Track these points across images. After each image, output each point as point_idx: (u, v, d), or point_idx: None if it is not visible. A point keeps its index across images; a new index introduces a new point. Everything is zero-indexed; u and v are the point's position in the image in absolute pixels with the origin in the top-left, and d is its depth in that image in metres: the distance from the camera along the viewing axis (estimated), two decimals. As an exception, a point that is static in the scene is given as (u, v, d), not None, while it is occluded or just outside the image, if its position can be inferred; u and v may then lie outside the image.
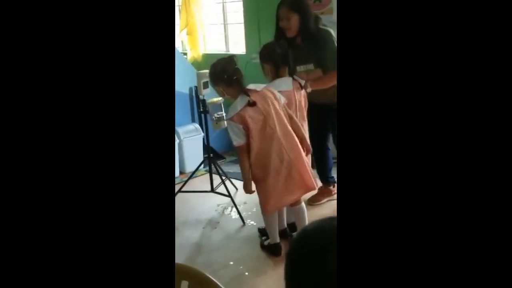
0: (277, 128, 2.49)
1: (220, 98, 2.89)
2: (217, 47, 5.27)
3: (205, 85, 3.56)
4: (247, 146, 2.48)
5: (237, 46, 5.11)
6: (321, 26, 2.84)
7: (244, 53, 4.77)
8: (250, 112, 2.44)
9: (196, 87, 4.00)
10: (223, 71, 2.48)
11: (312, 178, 2.62)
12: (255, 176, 2.56)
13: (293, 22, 2.75)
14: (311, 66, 2.85)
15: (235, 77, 2.48)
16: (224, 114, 2.73)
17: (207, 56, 5.05)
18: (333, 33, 2.80)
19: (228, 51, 5.26)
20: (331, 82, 2.78)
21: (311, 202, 3.27)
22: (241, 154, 2.52)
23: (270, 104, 2.50)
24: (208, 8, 5.24)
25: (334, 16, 3.72)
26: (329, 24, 3.68)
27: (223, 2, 5.19)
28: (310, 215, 2.91)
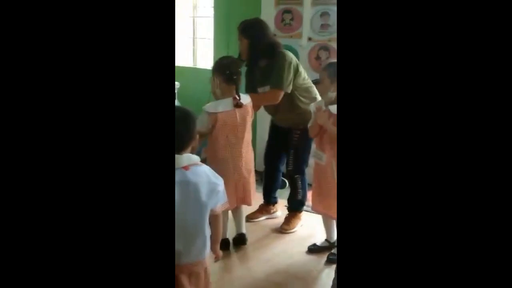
0: (243, 140, 2.69)
1: None
2: (184, 61, 5.24)
3: None
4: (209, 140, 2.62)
5: (205, 60, 5.10)
6: (281, 50, 2.91)
7: (211, 68, 4.74)
8: (225, 115, 2.59)
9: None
10: (228, 67, 2.62)
11: (251, 197, 2.81)
12: None
13: (243, 47, 2.89)
14: (267, 88, 2.90)
15: (235, 77, 2.62)
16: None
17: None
18: (290, 56, 2.90)
19: (196, 65, 5.25)
20: (264, 100, 2.88)
21: (250, 218, 3.27)
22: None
23: (247, 118, 2.68)
24: (179, 22, 5.23)
25: (303, 40, 3.77)
26: (298, 48, 3.77)
27: (193, 17, 5.21)
28: (247, 231, 3.01)
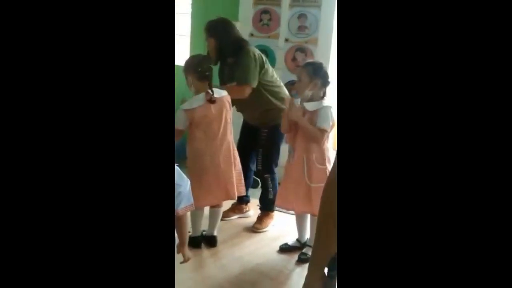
0: (220, 133, 2.73)
1: None
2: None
3: None
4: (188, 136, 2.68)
5: (181, 57, 5.08)
6: (247, 47, 2.96)
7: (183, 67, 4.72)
8: (205, 109, 2.65)
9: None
10: (199, 65, 2.68)
11: (235, 190, 2.81)
12: (190, 168, 2.70)
13: (210, 45, 2.95)
14: (234, 83, 2.95)
15: (207, 73, 2.68)
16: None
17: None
18: (255, 52, 2.95)
19: (171, 61, 5.23)
20: (234, 94, 2.87)
21: (222, 217, 3.21)
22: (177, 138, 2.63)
23: (223, 111, 2.73)
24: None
25: (280, 41, 3.80)
26: (275, 48, 3.79)
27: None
28: (220, 230, 3.02)
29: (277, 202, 2.83)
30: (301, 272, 2.60)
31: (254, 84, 2.88)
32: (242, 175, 2.91)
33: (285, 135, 2.84)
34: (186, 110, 2.64)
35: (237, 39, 2.96)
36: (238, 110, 3.16)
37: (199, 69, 2.65)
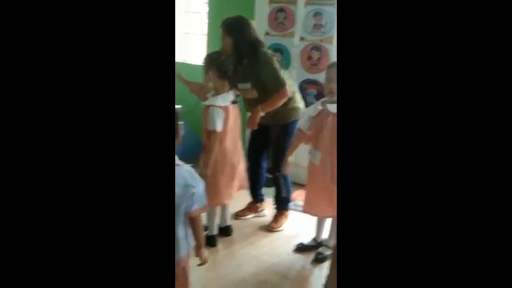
0: (238, 134, 2.83)
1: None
2: (177, 56, 5.23)
3: None
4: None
5: (198, 57, 5.08)
6: (264, 49, 2.94)
7: (204, 61, 4.72)
8: (231, 109, 2.69)
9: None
10: (224, 63, 2.65)
11: (247, 180, 3.00)
12: (216, 165, 2.70)
13: (226, 44, 2.89)
14: (248, 86, 2.92)
15: (229, 73, 2.66)
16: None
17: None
18: (272, 53, 2.97)
19: (185, 60, 5.23)
20: (277, 103, 2.88)
21: (238, 216, 3.30)
22: (215, 139, 2.63)
23: (238, 113, 2.81)
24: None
25: (295, 40, 3.78)
26: (290, 47, 3.77)
27: (187, 11, 5.20)
28: (235, 228, 3.09)
29: (304, 208, 2.76)
30: (319, 273, 2.60)
31: (286, 85, 2.86)
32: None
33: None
34: (222, 107, 2.61)
35: (254, 40, 2.93)
36: (249, 110, 3.11)
37: (223, 69, 2.63)
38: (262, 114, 2.88)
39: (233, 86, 2.85)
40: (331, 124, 2.49)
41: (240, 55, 2.87)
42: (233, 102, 2.71)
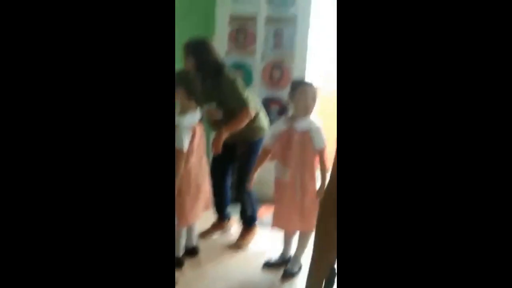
0: (203, 152, 2.78)
1: None
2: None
3: None
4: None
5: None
6: (226, 71, 2.98)
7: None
8: (197, 128, 2.65)
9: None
10: (191, 82, 2.63)
11: (211, 200, 2.94)
12: (180, 185, 2.62)
13: (188, 66, 2.92)
14: (213, 105, 2.95)
15: (197, 93, 2.64)
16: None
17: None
18: (236, 74, 3.05)
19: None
20: (240, 124, 2.89)
21: (204, 235, 3.25)
22: (181, 159, 2.55)
23: (200, 132, 2.74)
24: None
25: (256, 58, 3.83)
26: (252, 65, 3.81)
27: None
28: (202, 248, 3.04)
29: (274, 222, 2.78)
30: (287, 288, 2.60)
31: (250, 105, 2.88)
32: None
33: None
34: (188, 127, 2.57)
35: (216, 62, 2.96)
36: (213, 129, 3.13)
37: (192, 86, 2.62)
38: (226, 135, 2.89)
39: (200, 105, 2.84)
40: (300, 142, 2.54)
41: (203, 76, 2.87)
42: (200, 121, 2.72)
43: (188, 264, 2.84)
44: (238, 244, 3.12)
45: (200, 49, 2.93)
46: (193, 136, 2.61)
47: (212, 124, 3.05)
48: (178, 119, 2.59)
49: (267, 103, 3.78)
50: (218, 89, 2.88)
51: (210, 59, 2.92)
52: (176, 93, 2.60)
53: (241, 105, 2.86)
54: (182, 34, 3.93)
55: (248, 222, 3.19)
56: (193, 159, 2.67)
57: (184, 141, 2.54)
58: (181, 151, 2.55)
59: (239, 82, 2.92)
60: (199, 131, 2.70)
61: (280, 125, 2.67)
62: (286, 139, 2.61)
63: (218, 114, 2.95)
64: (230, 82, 2.89)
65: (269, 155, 2.74)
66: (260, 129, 3.02)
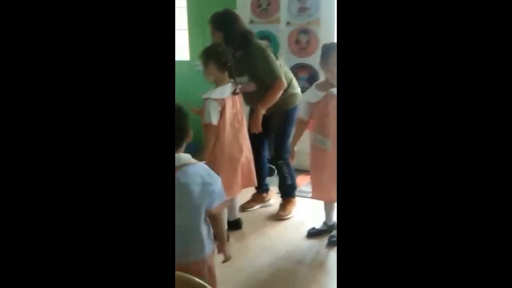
0: (243, 125, 2.77)
1: None
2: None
3: None
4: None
5: (181, 52, 5.02)
6: (256, 41, 2.91)
7: (188, 60, 4.67)
8: (230, 100, 2.63)
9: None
10: (222, 54, 2.61)
11: (255, 176, 2.89)
12: (213, 160, 2.62)
13: (217, 39, 2.86)
14: (245, 79, 2.89)
15: (229, 64, 2.62)
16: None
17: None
18: (265, 44, 2.94)
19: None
20: (275, 97, 2.86)
21: (244, 208, 3.27)
22: (211, 133, 2.60)
23: (241, 103, 2.77)
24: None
25: (281, 25, 3.75)
26: (277, 33, 3.74)
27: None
28: (244, 221, 3.05)
29: (314, 194, 2.76)
30: (335, 255, 2.59)
31: (282, 76, 2.84)
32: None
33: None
34: (217, 100, 2.57)
35: (244, 32, 2.90)
36: (248, 103, 3.08)
37: (223, 59, 2.59)
38: (263, 112, 2.87)
39: (232, 78, 2.82)
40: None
41: (232, 49, 2.82)
42: (234, 93, 2.66)
43: (232, 237, 2.86)
44: (280, 215, 3.12)
45: (226, 21, 2.87)
46: (223, 109, 2.58)
47: (246, 98, 3.02)
48: (208, 93, 2.60)
49: (295, 70, 3.72)
50: (249, 61, 2.83)
51: (237, 30, 2.86)
52: (206, 67, 2.61)
53: (274, 76, 2.82)
54: (202, 8, 3.91)
55: (288, 193, 3.18)
56: (226, 133, 2.65)
57: (211, 114, 2.54)
58: (209, 124, 2.56)
59: (270, 52, 2.86)
60: (235, 104, 2.67)
61: (314, 93, 2.60)
62: (322, 108, 2.55)
63: (251, 87, 2.90)
64: (261, 53, 2.83)
65: (306, 126, 2.69)
66: (294, 97, 2.97)
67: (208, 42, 3.54)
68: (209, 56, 2.61)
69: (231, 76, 2.65)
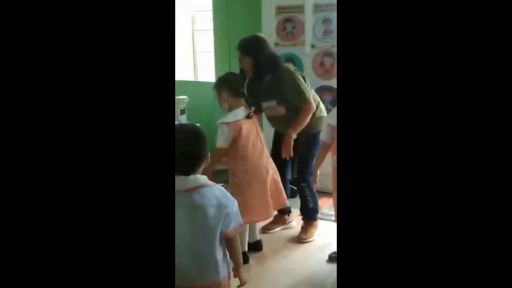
0: (264, 145, 2.82)
1: None
2: (185, 75, 5.23)
3: (182, 112, 3.98)
4: (233, 152, 2.67)
5: (207, 74, 5.09)
6: (284, 65, 2.94)
7: (213, 81, 4.73)
8: (246, 123, 2.69)
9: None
10: (234, 81, 2.72)
11: (285, 196, 2.90)
12: (240, 184, 2.69)
13: (247, 64, 2.89)
14: (273, 103, 2.92)
15: (241, 90, 2.73)
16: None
17: (175, 83, 4.98)
18: (293, 68, 2.97)
19: (197, 79, 5.24)
20: (305, 120, 2.88)
21: (265, 230, 3.26)
22: (218, 155, 2.66)
23: (258, 125, 2.83)
24: (178, 36, 5.23)
25: (306, 48, 3.77)
26: (302, 55, 3.76)
27: (192, 30, 5.22)
28: (265, 242, 3.03)
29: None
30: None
31: (312, 99, 2.87)
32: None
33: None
34: (230, 123, 2.63)
35: (273, 56, 2.93)
36: (276, 127, 3.12)
37: (234, 85, 2.68)
38: (295, 136, 2.88)
39: (255, 105, 2.90)
40: None
41: (261, 73, 2.87)
42: (248, 117, 2.70)
43: (252, 259, 2.85)
44: (301, 238, 3.10)
45: (255, 46, 2.91)
46: (239, 132, 2.63)
47: (274, 121, 3.05)
48: (220, 119, 2.68)
49: (319, 93, 3.71)
50: (278, 84, 2.86)
51: (266, 55, 2.89)
52: (220, 96, 2.70)
53: (305, 99, 2.84)
54: (228, 31, 3.95)
55: (310, 216, 3.15)
56: (249, 154, 2.68)
57: (218, 138, 2.63)
58: (217, 148, 2.64)
59: (298, 76, 2.88)
60: (249, 126, 2.70)
61: (335, 116, 2.58)
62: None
63: (280, 110, 2.92)
64: (290, 76, 2.85)
65: (329, 149, 2.67)
66: (321, 120, 2.96)
67: (234, 63, 3.60)
68: (222, 84, 2.71)
69: (246, 100, 2.73)
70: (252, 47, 2.90)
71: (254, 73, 2.88)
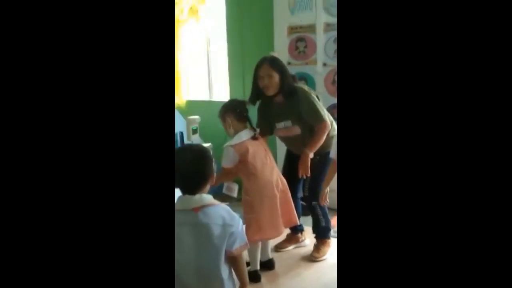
0: (274, 163, 2.88)
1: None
2: (200, 94, 5.29)
3: (194, 131, 4.02)
4: (244, 170, 2.74)
5: (221, 93, 5.14)
6: (300, 85, 2.99)
7: (220, 112, 4.77)
8: (252, 144, 2.77)
9: (181, 132, 4.08)
10: (238, 106, 2.83)
11: (295, 214, 2.91)
12: (252, 202, 2.74)
13: (274, 81, 2.88)
14: (289, 123, 2.94)
15: (245, 114, 2.82)
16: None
17: (190, 103, 5.05)
18: (307, 89, 3.00)
19: (212, 98, 5.29)
20: (322, 139, 2.90)
21: (278, 248, 3.25)
22: (223, 174, 2.78)
23: (265, 144, 2.93)
24: (192, 56, 5.30)
25: (318, 67, 3.79)
26: (314, 74, 3.79)
27: (207, 51, 5.28)
28: (277, 261, 3.03)
29: None
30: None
31: (327, 118, 2.90)
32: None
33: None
34: (234, 146, 2.70)
35: (292, 75, 3.00)
36: (290, 146, 3.15)
37: (238, 110, 2.79)
38: (311, 155, 2.90)
39: (267, 126, 2.99)
40: None
41: (287, 90, 2.89)
42: (254, 138, 2.78)
43: (264, 278, 2.84)
44: (314, 256, 3.08)
45: (281, 63, 2.95)
46: (245, 151, 2.70)
47: (288, 141, 3.07)
48: (227, 143, 2.76)
49: (331, 111, 3.72)
50: (293, 104, 2.88)
51: (289, 73, 2.95)
52: (225, 122, 2.80)
53: (321, 118, 2.86)
54: (242, 51, 3.97)
55: (323, 234, 3.14)
56: (259, 172, 2.73)
57: (223, 159, 2.73)
58: (223, 167, 2.74)
59: (314, 95, 2.91)
60: (256, 145, 2.76)
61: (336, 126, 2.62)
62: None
63: (296, 130, 2.94)
64: (305, 96, 2.88)
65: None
66: (334, 138, 2.96)
67: (248, 83, 3.63)
68: (226, 110, 2.81)
69: (251, 124, 2.84)
70: (281, 63, 2.94)
71: (282, 90, 2.88)
